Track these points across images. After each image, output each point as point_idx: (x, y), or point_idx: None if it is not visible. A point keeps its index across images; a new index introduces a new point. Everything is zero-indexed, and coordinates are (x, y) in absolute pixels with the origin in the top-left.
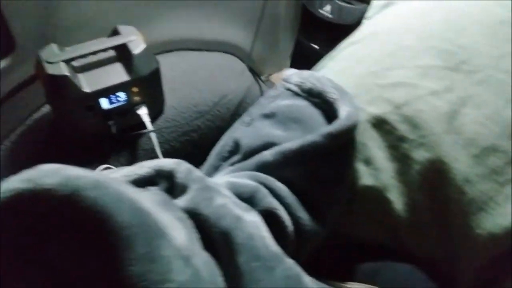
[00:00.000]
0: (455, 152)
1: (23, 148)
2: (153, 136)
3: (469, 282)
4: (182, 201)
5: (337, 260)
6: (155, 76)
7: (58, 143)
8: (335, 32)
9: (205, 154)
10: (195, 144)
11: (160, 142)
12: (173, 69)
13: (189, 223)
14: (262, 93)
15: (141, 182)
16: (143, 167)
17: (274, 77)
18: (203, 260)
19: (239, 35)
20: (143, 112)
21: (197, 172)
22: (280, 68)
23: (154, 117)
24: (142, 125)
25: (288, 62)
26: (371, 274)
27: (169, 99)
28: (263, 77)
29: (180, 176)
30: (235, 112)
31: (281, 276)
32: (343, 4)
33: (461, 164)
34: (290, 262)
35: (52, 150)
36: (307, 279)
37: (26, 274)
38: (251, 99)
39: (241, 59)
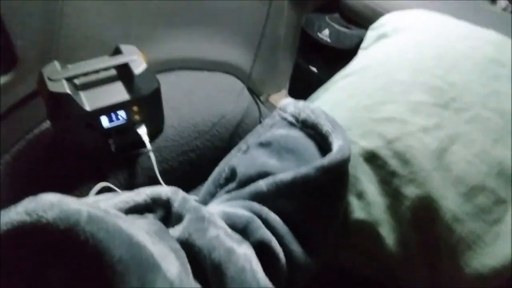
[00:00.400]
0: (444, 190)
1: (23, 162)
2: (151, 155)
3: None
4: (176, 231)
5: None
6: (155, 96)
7: (58, 159)
8: (333, 55)
9: (203, 174)
10: (193, 163)
11: (158, 161)
12: (174, 89)
13: (182, 254)
14: (261, 113)
15: (139, 209)
16: (141, 194)
17: (273, 98)
18: None
19: (239, 56)
20: (142, 131)
21: (193, 202)
22: (279, 89)
23: (153, 135)
24: (142, 143)
25: (287, 84)
26: None
27: (169, 118)
28: (262, 98)
29: (176, 205)
30: (234, 133)
31: None
32: (341, 28)
33: (450, 202)
34: None
35: (51, 166)
36: None
37: None
38: (249, 120)
39: (240, 80)
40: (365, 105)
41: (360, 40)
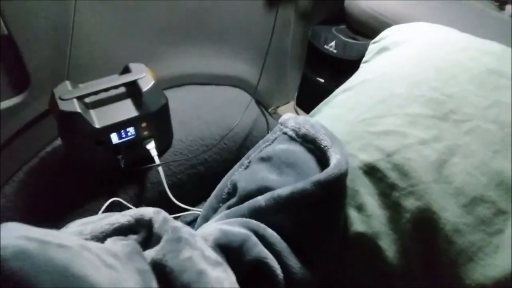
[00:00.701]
0: (444, 202)
1: (35, 179)
2: (160, 170)
3: None
4: (153, 251)
5: None
6: (163, 112)
7: (69, 175)
8: (340, 66)
9: (212, 186)
10: (202, 176)
11: (167, 175)
12: (182, 103)
13: (150, 275)
14: (268, 125)
15: (123, 230)
16: (125, 216)
17: (281, 110)
18: None
19: (246, 69)
20: (151, 147)
21: (173, 222)
22: (287, 101)
23: (162, 150)
24: (151, 158)
25: (295, 95)
26: None
27: (178, 132)
28: (270, 110)
29: (156, 226)
30: (242, 145)
31: None
32: (347, 40)
33: (450, 213)
34: None
35: (63, 182)
36: None
37: None
38: (257, 132)
39: (248, 92)
40: (364, 119)
41: (366, 51)
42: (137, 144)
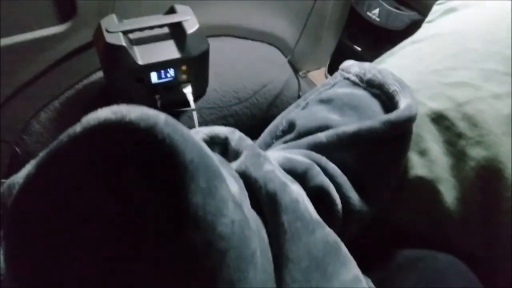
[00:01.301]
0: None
1: (71, 109)
2: (194, 114)
3: (508, 282)
4: (234, 165)
5: (378, 245)
6: (204, 58)
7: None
8: (380, 36)
9: None
10: None
11: (199, 122)
12: (218, 54)
13: (241, 181)
14: (300, 88)
15: None
16: (199, 133)
17: (311, 75)
18: (251, 213)
19: (285, 29)
20: (188, 91)
21: (249, 141)
22: (319, 67)
23: (197, 97)
24: (186, 103)
25: (327, 62)
26: (412, 261)
27: (212, 82)
28: (300, 73)
29: (233, 143)
30: (272, 103)
31: (321, 240)
32: (391, 9)
33: None
34: (330, 230)
35: None
36: (345, 249)
37: (103, 199)
38: (289, 93)
39: (283, 53)
40: (435, 70)
41: (411, 22)
42: (175, 86)
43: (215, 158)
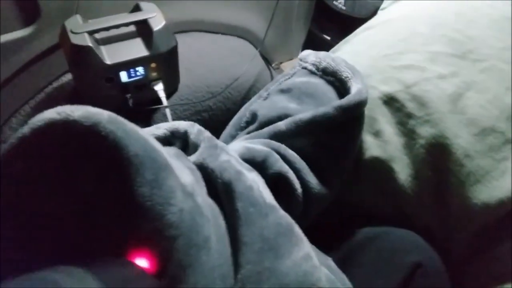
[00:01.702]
0: (457, 130)
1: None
2: (167, 111)
3: (461, 249)
4: (192, 157)
5: (340, 226)
6: (173, 54)
7: None
8: (347, 24)
9: (215, 134)
10: (206, 123)
11: (173, 119)
12: (188, 50)
13: (197, 173)
14: (272, 79)
15: (159, 142)
16: (160, 128)
17: (284, 66)
18: (206, 202)
19: (254, 21)
20: (159, 88)
21: (207, 133)
22: (290, 57)
23: (168, 94)
24: (158, 101)
25: (299, 52)
26: (371, 238)
27: (184, 78)
28: (273, 65)
29: (192, 137)
30: (245, 96)
31: (274, 222)
32: None
33: (462, 140)
34: (284, 213)
35: None
36: (298, 230)
37: (53, 197)
38: (261, 85)
39: (253, 45)
40: (385, 54)
41: (376, 10)
42: (145, 84)
43: (169, 151)
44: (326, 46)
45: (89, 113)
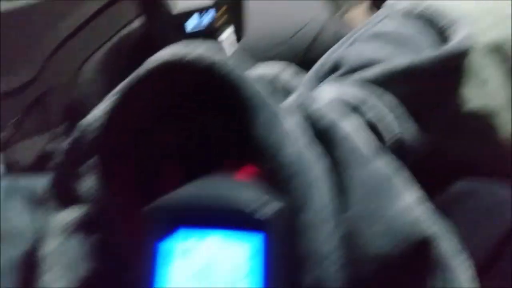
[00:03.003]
0: None
1: (114, 58)
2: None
3: None
4: (286, 103)
5: (436, 177)
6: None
7: (147, 56)
8: None
9: None
10: None
11: None
12: None
13: (295, 118)
14: (337, 29)
15: None
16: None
17: (349, 16)
18: (310, 146)
19: None
20: (226, 35)
21: (299, 78)
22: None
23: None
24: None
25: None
26: (470, 191)
27: (248, 25)
28: (338, 14)
29: (284, 81)
30: (309, 46)
31: (376, 168)
32: None
33: None
34: (388, 159)
35: (141, 63)
36: (405, 175)
37: (169, 133)
38: (326, 35)
39: None
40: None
41: None
42: (213, 32)
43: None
44: None
45: (205, 54)
